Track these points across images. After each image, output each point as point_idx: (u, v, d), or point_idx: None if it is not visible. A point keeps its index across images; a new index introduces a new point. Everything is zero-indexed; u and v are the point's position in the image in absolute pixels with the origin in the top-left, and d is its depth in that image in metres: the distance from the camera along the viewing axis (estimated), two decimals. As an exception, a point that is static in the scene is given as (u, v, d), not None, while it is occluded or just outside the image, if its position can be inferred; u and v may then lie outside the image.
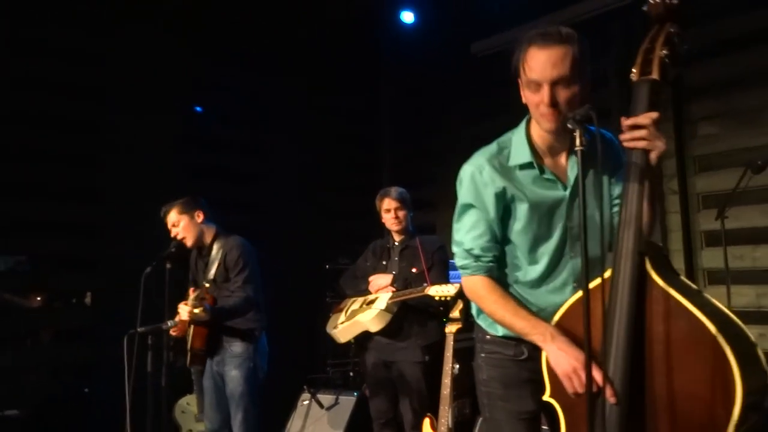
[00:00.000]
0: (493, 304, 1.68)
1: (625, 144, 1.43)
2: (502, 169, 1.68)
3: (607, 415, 1.39)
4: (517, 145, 1.69)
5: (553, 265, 1.70)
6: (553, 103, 1.53)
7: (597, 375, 1.38)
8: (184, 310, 2.99)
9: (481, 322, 1.85)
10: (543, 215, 1.67)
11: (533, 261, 1.70)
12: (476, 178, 1.69)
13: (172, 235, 3.26)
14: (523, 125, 1.71)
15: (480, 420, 3.51)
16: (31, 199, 4.00)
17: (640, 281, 1.40)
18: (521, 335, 1.64)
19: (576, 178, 1.58)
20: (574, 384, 1.48)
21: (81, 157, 4.21)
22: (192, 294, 3.03)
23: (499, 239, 1.71)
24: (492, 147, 1.73)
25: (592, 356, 1.37)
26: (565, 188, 1.67)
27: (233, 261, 3.17)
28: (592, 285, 1.40)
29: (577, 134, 1.37)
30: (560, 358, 1.51)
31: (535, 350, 1.63)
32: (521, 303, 1.69)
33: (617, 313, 1.41)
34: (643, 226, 1.46)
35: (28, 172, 3.99)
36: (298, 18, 4.94)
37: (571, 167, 1.66)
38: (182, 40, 4.54)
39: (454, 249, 1.77)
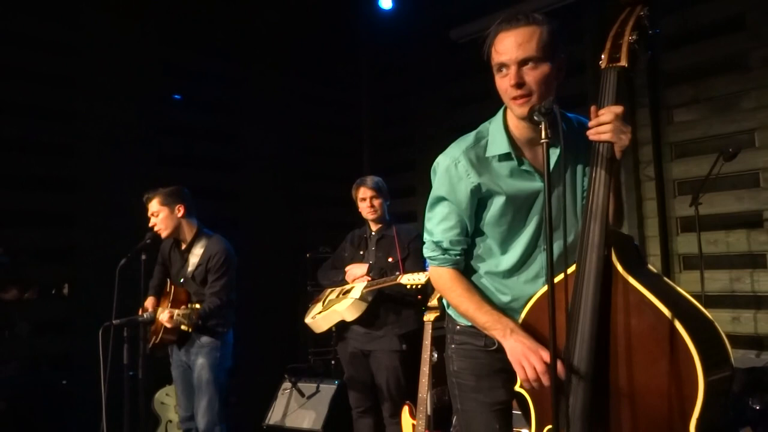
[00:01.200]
0: (458, 297, 1.68)
1: (590, 137, 1.43)
2: (479, 161, 1.63)
3: (572, 407, 1.40)
4: (494, 135, 1.64)
5: (526, 255, 1.69)
6: (520, 84, 1.48)
7: (558, 365, 1.39)
8: (165, 318, 2.99)
9: (450, 312, 1.85)
10: (519, 207, 1.65)
11: (506, 251, 1.69)
12: (451, 171, 1.65)
13: (150, 224, 3.24)
14: (500, 115, 1.67)
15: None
16: (5, 189, 3.93)
17: (605, 273, 1.40)
18: (483, 329, 1.65)
19: (554, 171, 1.55)
20: (526, 372, 1.47)
21: (56, 146, 4.13)
22: (179, 310, 2.99)
23: (470, 232, 1.71)
24: (469, 138, 1.68)
25: (559, 349, 1.38)
26: (542, 179, 1.62)
27: (215, 267, 3.19)
28: (558, 279, 1.40)
29: (542, 126, 1.37)
30: (515, 349, 1.51)
31: None
32: (486, 297, 1.70)
33: (582, 306, 1.41)
34: (611, 218, 1.48)
35: (2, 162, 3.92)
36: (275, 3, 4.87)
37: (550, 157, 1.63)
38: (158, 28, 4.46)
39: (425, 237, 1.77)
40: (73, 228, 4.15)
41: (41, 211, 4.11)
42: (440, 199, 1.70)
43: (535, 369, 1.45)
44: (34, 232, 4.11)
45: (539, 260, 1.69)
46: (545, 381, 1.44)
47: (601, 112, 1.41)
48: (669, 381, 1.32)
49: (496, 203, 1.64)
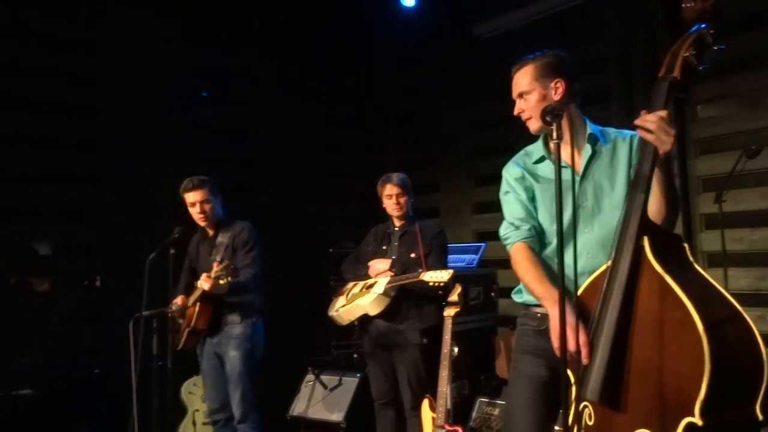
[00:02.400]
0: (524, 269, 1.94)
1: (638, 131, 1.59)
2: (525, 165, 2.08)
3: (591, 382, 1.56)
4: (535, 148, 2.09)
5: (565, 236, 1.91)
6: (519, 113, 1.98)
7: (581, 337, 1.61)
8: (206, 282, 3.03)
9: (514, 296, 2.13)
10: (553, 194, 1.89)
11: (552, 233, 1.98)
12: (507, 172, 2.11)
13: (196, 210, 3.29)
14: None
15: (479, 400, 3.59)
16: (39, 184, 4.08)
17: (638, 261, 1.55)
18: (538, 298, 1.90)
19: (587, 165, 1.93)
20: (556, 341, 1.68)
21: (86, 143, 4.27)
22: (216, 267, 3.06)
23: (533, 215, 2.01)
24: (521, 152, 2.14)
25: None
26: (574, 173, 1.91)
27: (243, 241, 3.27)
28: (603, 268, 1.64)
29: (554, 127, 1.56)
30: (555, 318, 1.70)
31: None
32: (547, 272, 1.91)
33: (613, 288, 1.57)
34: (657, 214, 1.67)
35: (38, 159, 4.07)
36: (297, 1, 4.93)
37: (584, 156, 1.95)
38: (183, 26, 4.56)
39: (500, 230, 2.08)
40: (103, 222, 4.28)
41: (73, 206, 4.26)
42: (506, 193, 2.08)
43: (568, 342, 1.61)
44: (66, 227, 4.26)
45: (580, 242, 1.90)
46: (572, 350, 1.60)
47: (650, 116, 1.58)
48: (680, 363, 1.42)
49: (537, 192, 2.02)
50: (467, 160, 5.08)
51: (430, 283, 3.03)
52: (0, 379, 3.83)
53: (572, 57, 2.00)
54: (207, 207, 3.29)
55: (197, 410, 3.83)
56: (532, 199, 2.03)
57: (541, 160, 2.04)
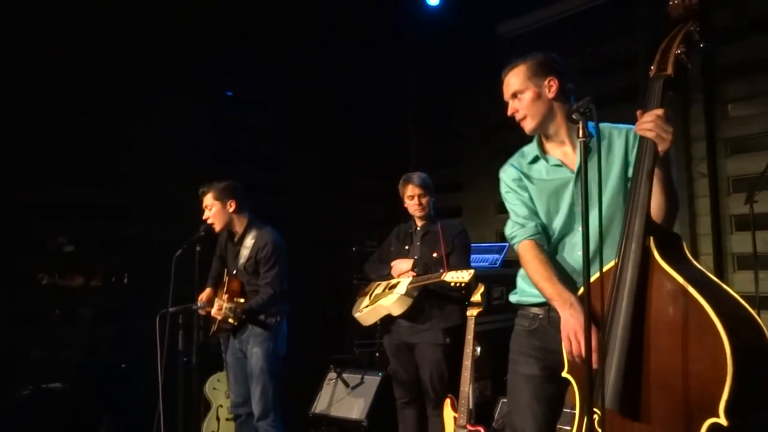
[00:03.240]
0: (533, 267, 1.93)
1: (637, 131, 1.60)
2: (521, 166, 2.08)
3: (606, 387, 1.50)
4: (529, 148, 2.09)
5: (563, 236, 1.98)
6: (513, 114, 2.00)
7: (594, 341, 1.53)
8: (215, 309, 3.15)
9: (512, 298, 2.15)
10: (551, 193, 1.99)
11: (552, 232, 2.00)
12: (504, 174, 2.11)
13: (204, 216, 3.38)
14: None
15: (502, 401, 3.57)
16: (70, 183, 4.17)
17: (646, 262, 1.52)
18: (548, 299, 1.87)
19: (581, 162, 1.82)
20: (572, 345, 1.71)
21: (116, 142, 4.34)
22: (227, 303, 3.13)
23: (537, 214, 2.01)
24: (516, 154, 2.13)
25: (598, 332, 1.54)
26: (571, 171, 1.95)
27: (265, 257, 3.29)
28: (605, 268, 1.57)
29: (580, 125, 1.52)
30: (567, 322, 1.75)
31: (546, 323, 1.95)
32: (555, 271, 1.91)
33: (621, 292, 1.53)
34: (658, 212, 1.65)
35: (68, 158, 4.15)
36: (322, 1, 4.95)
37: (578, 154, 1.89)
38: (211, 27, 4.61)
39: (505, 230, 2.07)
40: (132, 220, 4.35)
41: (103, 204, 4.34)
42: (506, 193, 2.08)
43: (579, 345, 1.66)
44: (96, 224, 4.34)
45: (578, 240, 1.93)
46: (581, 354, 1.59)
47: (646, 115, 1.58)
48: (701, 364, 1.40)
49: (533, 192, 2.02)
50: (491, 160, 5.02)
51: (452, 283, 3.02)
52: (31, 373, 3.94)
53: (564, 59, 2.03)
54: (211, 212, 3.35)
55: (221, 406, 3.88)
56: (530, 199, 2.04)
57: (535, 160, 2.04)
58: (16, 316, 3.90)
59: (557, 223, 1.98)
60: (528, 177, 2.05)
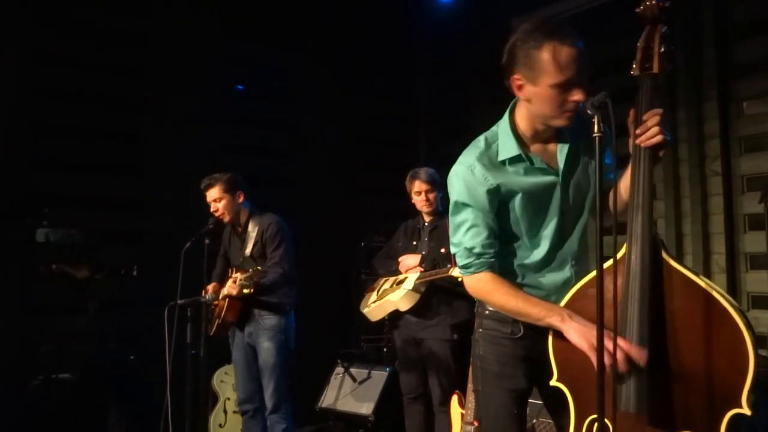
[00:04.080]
0: (503, 296, 1.69)
1: (642, 144, 1.51)
2: (492, 165, 1.71)
3: (626, 393, 1.47)
4: (503, 140, 1.72)
5: (554, 247, 1.76)
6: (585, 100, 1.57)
7: (623, 344, 1.43)
8: (232, 288, 3.11)
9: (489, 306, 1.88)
10: (538, 202, 1.73)
11: (535, 245, 1.76)
12: (468, 177, 1.71)
13: (212, 209, 3.37)
14: (506, 118, 1.75)
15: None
16: (79, 175, 4.18)
17: (654, 262, 1.50)
18: (536, 321, 1.65)
19: (566, 163, 1.70)
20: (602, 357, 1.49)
21: (125, 134, 4.36)
22: (241, 274, 3.12)
23: (497, 234, 1.73)
24: (479, 144, 1.76)
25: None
26: (556, 174, 1.72)
27: (270, 237, 3.27)
28: (591, 276, 1.55)
29: (595, 120, 1.43)
30: (582, 331, 1.53)
31: (531, 329, 1.70)
32: (527, 291, 1.73)
33: (630, 295, 1.49)
34: (622, 209, 1.58)
35: (78, 150, 4.17)
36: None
37: (559, 151, 1.72)
38: (221, 20, 4.61)
39: (453, 250, 1.77)
40: (141, 212, 4.37)
41: (112, 196, 4.36)
42: (463, 206, 1.72)
43: (608, 352, 1.45)
44: (105, 216, 4.36)
45: (566, 249, 1.76)
46: (623, 365, 1.43)
47: (647, 116, 1.50)
48: (721, 357, 1.41)
49: (516, 202, 1.72)
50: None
51: (459, 279, 3.00)
52: (41, 364, 3.96)
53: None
54: (221, 204, 3.33)
55: (228, 399, 3.89)
56: (499, 211, 1.72)
57: (516, 160, 1.69)
58: (26, 308, 3.93)
59: (546, 237, 1.74)
60: (512, 186, 1.70)
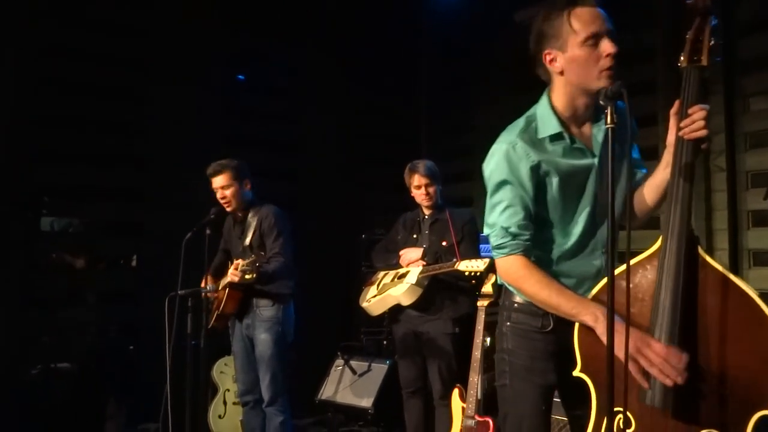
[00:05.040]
0: (536, 284, 1.64)
1: (686, 137, 1.50)
2: (533, 143, 1.68)
3: (653, 388, 1.45)
4: (543, 118, 1.70)
5: (586, 233, 1.72)
6: (618, 53, 1.58)
7: (660, 349, 1.41)
8: (234, 275, 3.06)
9: (511, 288, 1.81)
10: (575, 186, 1.70)
11: (568, 232, 1.72)
12: (510, 153, 1.67)
13: (218, 196, 3.31)
14: (545, 98, 1.74)
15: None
16: (80, 165, 4.16)
17: (690, 257, 1.47)
18: (568, 316, 1.59)
19: (603, 146, 1.65)
20: (641, 363, 1.44)
21: (126, 125, 4.34)
22: (242, 261, 3.08)
23: (534, 217, 1.69)
24: (520, 123, 1.74)
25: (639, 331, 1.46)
26: (593, 156, 1.69)
27: (269, 228, 3.25)
28: (632, 262, 1.50)
29: (608, 111, 1.40)
30: (619, 341, 1.41)
31: (561, 322, 1.65)
32: (562, 282, 1.67)
33: (663, 289, 1.47)
34: (651, 207, 1.64)
35: (79, 141, 4.15)
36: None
37: (596, 134, 1.71)
38: (223, 12, 4.58)
39: (488, 230, 1.73)
40: (142, 203, 4.35)
41: (113, 187, 4.34)
42: (503, 184, 1.67)
43: (647, 360, 1.43)
44: (106, 207, 4.34)
45: (598, 237, 1.72)
46: (675, 376, 1.40)
47: (693, 110, 1.49)
48: (753, 358, 1.39)
49: (554, 184, 1.68)
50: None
51: (466, 272, 2.98)
52: (41, 354, 3.96)
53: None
54: (229, 192, 3.28)
55: (228, 390, 3.88)
56: (536, 197, 1.67)
57: (558, 137, 1.66)
58: (26, 299, 3.92)
59: (579, 223, 1.71)
60: (553, 164, 1.66)
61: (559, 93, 1.70)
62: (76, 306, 4.36)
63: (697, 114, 1.48)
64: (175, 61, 4.36)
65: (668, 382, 1.41)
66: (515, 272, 1.68)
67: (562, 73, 1.66)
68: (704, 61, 1.52)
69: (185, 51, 4.39)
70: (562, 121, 1.68)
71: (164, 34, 4.34)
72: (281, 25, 4.83)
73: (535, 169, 1.66)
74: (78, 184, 4.18)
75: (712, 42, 1.52)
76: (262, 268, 3.08)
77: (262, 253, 3.10)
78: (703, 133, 1.48)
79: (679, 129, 1.51)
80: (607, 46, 1.58)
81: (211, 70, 4.53)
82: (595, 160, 1.69)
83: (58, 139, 4.08)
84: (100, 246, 4.46)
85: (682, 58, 1.54)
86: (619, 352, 1.38)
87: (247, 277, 3.00)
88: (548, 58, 1.67)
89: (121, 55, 4.30)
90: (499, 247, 1.69)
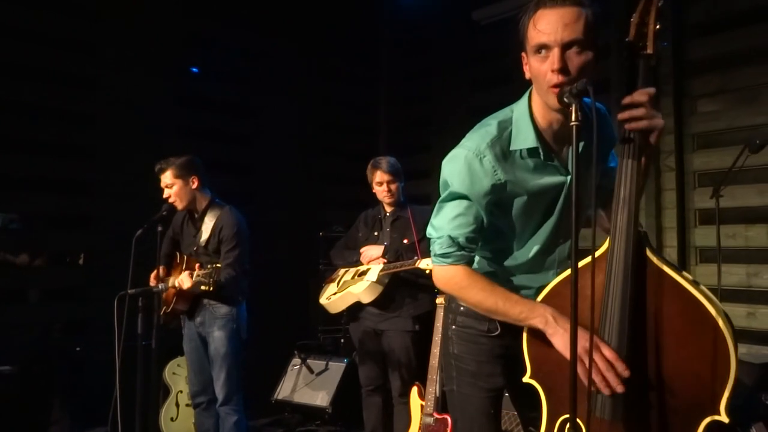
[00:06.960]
0: (480, 292, 1.55)
1: (626, 126, 1.35)
2: (504, 156, 1.52)
3: (602, 397, 1.39)
4: (519, 126, 1.53)
5: (544, 251, 1.64)
6: (564, 70, 1.36)
7: (608, 354, 1.34)
8: (185, 278, 2.98)
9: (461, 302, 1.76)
10: (542, 203, 1.59)
11: (523, 248, 1.65)
12: (474, 166, 1.52)
13: (165, 195, 3.23)
14: (524, 101, 1.56)
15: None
16: (23, 155, 3.95)
17: (637, 260, 1.39)
18: (517, 321, 1.52)
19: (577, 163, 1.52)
20: (587, 365, 1.36)
21: (74, 113, 4.13)
22: (199, 270, 2.99)
23: (485, 229, 1.59)
24: (491, 128, 1.55)
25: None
26: (566, 173, 1.56)
27: (227, 238, 3.16)
28: (579, 264, 1.38)
29: (572, 109, 1.28)
30: (566, 338, 1.38)
31: (509, 326, 1.59)
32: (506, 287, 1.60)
33: (611, 293, 1.39)
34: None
35: (21, 128, 3.92)
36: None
37: (572, 148, 1.57)
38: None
39: (433, 233, 1.62)
40: (89, 196, 4.17)
41: (58, 179, 4.13)
42: (459, 196, 1.56)
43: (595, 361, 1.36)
44: (50, 200, 4.13)
45: (555, 255, 1.66)
46: (616, 385, 1.33)
47: (635, 96, 1.34)
48: (701, 362, 1.34)
49: (518, 202, 1.57)
50: (461, 147, 5.00)
51: (427, 270, 2.97)
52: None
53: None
54: (173, 190, 3.18)
55: (181, 391, 3.77)
56: (495, 206, 1.56)
57: (532, 153, 1.51)
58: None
59: (536, 242, 1.63)
60: (520, 177, 1.53)
61: (536, 100, 1.53)
62: (17, 305, 4.15)
63: (639, 99, 1.32)
64: (129, 45, 4.17)
65: (606, 391, 1.35)
66: (458, 282, 1.58)
67: (530, 79, 1.50)
68: (649, 48, 1.35)
69: (137, 35, 4.22)
70: (539, 132, 1.52)
71: (117, 17, 4.15)
72: (239, 12, 4.71)
73: (499, 188, 1.53)
74: (20, 174, 3.96)
75: (658, 26, 1.35)
76: (219, 278, 3.01)
77: (218, 265, 3.01)
78: (645, 123, 1.32)
79: (622, 122, 1.35)
80: (552, 61, 1.37)
81: (166, 56, 4.37)
82: (566, 178, 1.56)
83: (4, 125, 3.84)
84: (44, 241, 4.25)
85: (625, 45, 1.39)
86: (567, 353, 1.32)
87: (202, 288, 2.94)
88: (523, 60, 1.50)
89: (72, 39, 4.08)
90: (443, 255, 1.58)
